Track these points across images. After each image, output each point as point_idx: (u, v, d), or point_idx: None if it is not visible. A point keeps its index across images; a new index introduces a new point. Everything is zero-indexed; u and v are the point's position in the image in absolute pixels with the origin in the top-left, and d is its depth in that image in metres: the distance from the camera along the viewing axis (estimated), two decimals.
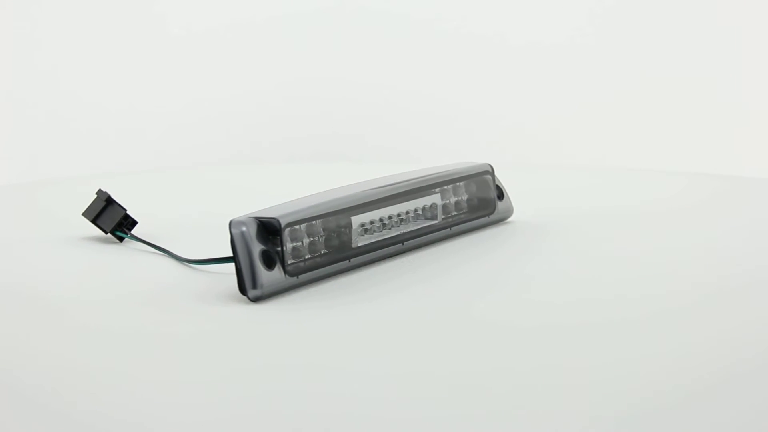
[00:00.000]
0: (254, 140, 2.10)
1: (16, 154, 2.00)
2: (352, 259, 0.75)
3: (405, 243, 0.80)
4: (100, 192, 0.89)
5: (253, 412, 0.52)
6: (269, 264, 0.69)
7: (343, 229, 0.75)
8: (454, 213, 0.85)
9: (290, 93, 2.12)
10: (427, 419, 0.50)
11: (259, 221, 0.70)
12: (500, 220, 0.90)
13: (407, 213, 0.80)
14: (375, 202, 0.77)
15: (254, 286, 0.68)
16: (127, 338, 0.63)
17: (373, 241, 0.77)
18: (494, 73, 2.06)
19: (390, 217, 0.79)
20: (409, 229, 0.80)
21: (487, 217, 0.88)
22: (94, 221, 0.88)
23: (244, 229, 0.69)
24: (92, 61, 2.06)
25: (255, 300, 0.69)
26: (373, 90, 2.13)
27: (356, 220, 0.75)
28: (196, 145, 2.09)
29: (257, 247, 0.69)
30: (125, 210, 0.88)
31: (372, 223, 0.77)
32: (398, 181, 0.80)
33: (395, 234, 0.79)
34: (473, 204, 0.87)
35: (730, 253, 0.83)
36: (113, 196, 0.89)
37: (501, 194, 0.90)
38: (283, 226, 0.70)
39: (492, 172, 0.88)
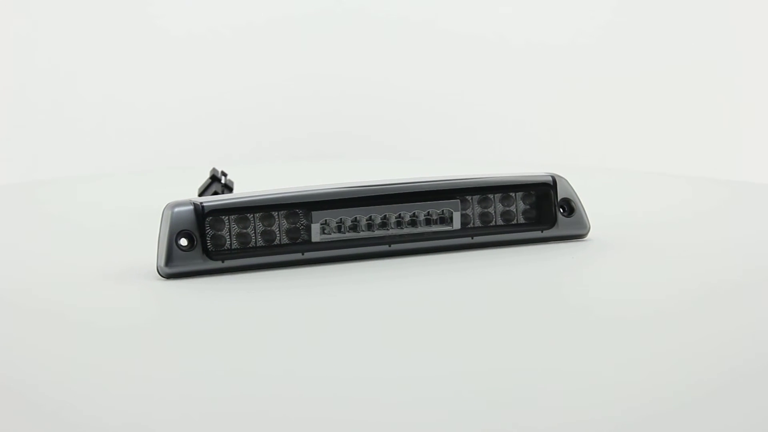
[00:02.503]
0: (254, 140, 2.10)
1: (15, 153, 2.05)
2: (306, 253, 0.74)
3: (392, 245, 0.76)
4: (212, 169, 0.95)
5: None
6: (189, 245, 0.71)
7: (303, 224, 0.74)
8: (498, 223, 0.79)
9: (290, 93, 2.11)
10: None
11: (194, 204, 0.72)
12: (565, 237, 0.81)
13: (412, 216, 0.76)
14: (347, 200, 0.74)
15: (165, 263, 0.71)
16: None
17: (340, 238, 0.75)
18: (496, 72, 2.07)
19: (385, 218, 0.76)
20: (398, 232, 0.76)
21: (540, 232, 0.80)
22: (199, 196, 0.95)
23: (175, 209, 0.71)
24: (92, 61, 2.09)
25: (167, 277, 0.71)
26: (373, 89, 2.12)
27: (319, 215, 0.74)
28: (197, 145, 2.09)
29: (178, 228, 0.71)
30: (219, 190, 0.93)
31: (355, 221, 0.75)
32: (392, 183, 0.76)
33: (377, 235, 0.75)
34: (529, 216, 0.80)
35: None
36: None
37: (570, 209, 0.81)
38: (206, 210, 0.71)
39: (553, 185, 0.80)
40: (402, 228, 0.76)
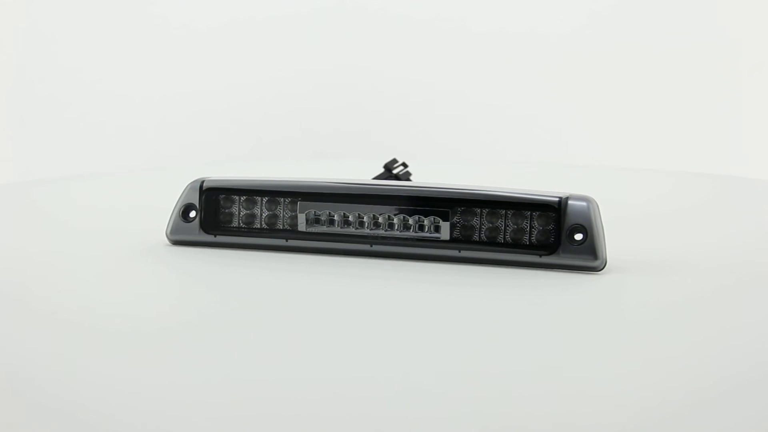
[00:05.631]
0: (254, 139, 2.07)
1: (13, 153, 1.93)
2: (290, 241, 0.79)
3: (373, 246, 0.77)
4: (392, 160, 0.99)
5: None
6: (189, 217, 0.81)
7: (292, 213, 0.79)
8: (507, 241, 0.75)
9: (292, 92, 2.08)
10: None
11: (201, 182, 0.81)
12: (569, 267, 0.74)
13: (404, 219, 0.77)
14: (336, 195, 0.77)
15: (169, 231, 0.82)
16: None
17: (324, 231, 0.78)
18: (496, 71, 2.10)
19: (377, 217, 0.77)
20: (380, 233, 0.77)
21: (538, 257, 0.74)
22: None
23: (190, 185, 0.81)
24: (90, 58, 2.03)
25: (172, 243, 0.82)
26: (372, 88, 2.11)
27: (305, 206, 0.78)
28: (197, 144, 2.06)
29: (186, 201, 0.81)
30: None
31: (344, 217, 0.78)
32: (384, 185, 0.77)
33: (359, 233, 0.77)
34: (540, 238, 0.75)
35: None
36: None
37: (583, 237, 0.73)
38: (204, 188, 0.80)
39: (558, 208, 0.73)
40: (388, 231, 0.77)
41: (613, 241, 0.78)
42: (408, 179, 1.00)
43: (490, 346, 0.57)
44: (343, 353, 0.56)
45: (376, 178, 1.01)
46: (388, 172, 1.00)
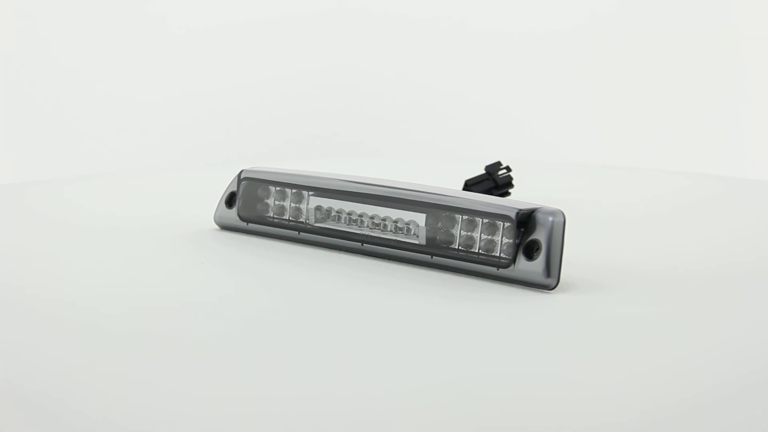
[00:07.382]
0: (255, 141, 2.04)
1: (12, 154, 1.84)
2: (301, 233, 0.83)
3: (364, 245, 0.80)
4: (496, 163, 0.98)
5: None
6: (231, 204, 0.88)
7: (306, 207, 0.83)
8: (458, 247, 0.75)
9: (291, 92, 2.06)
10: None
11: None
12: (522, 282, 0.72)
13: (394, 220, 0.78)
14: (340, 193, 0.81)
15: (215, 216, 0.90)
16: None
17: (328, 227, 0.81)
18: (496, 71, 2.07)
19: (370, 215, 0.80)
20: (370, 233, 0.79)
21: (496, 269, 0.72)
22: (466, 187, 0.98)
23: (237, 174, 0.88)
24: (91, 58, 2.00)
25: (219, 227, 0.89)
26: (373, 89, 2.09)
27: (315, 201, 0.82)
28: (197, 145, 2.04)
29: (231, 188, 0.88)
30: (491, 185, 0.96)
31: (348, 213, 0.81)
32: (382, 184, 0.79)
33: (355, 231, 0.80)
34: (507, 251, 0.73)
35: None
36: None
37: (539, 253, 0.71)
38: (241, 177, 0.86)
39: (515, 221, 0.71)
40: (383, 231, 0.79)
41: (605, 242, 0.76)
42: (509, 183, 1.00)
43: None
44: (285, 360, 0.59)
45: (471, 180, 1.00)
46: (489, 175, 1.00)
